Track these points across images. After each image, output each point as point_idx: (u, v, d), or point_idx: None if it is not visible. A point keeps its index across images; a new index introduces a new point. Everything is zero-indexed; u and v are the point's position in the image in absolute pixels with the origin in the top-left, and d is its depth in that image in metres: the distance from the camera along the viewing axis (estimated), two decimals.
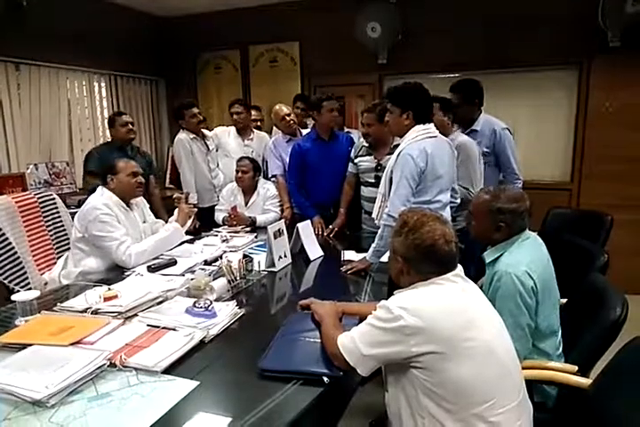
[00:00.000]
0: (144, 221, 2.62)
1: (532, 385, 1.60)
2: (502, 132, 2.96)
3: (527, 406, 1.28)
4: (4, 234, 2.41)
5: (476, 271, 2.14)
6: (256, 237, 2.90)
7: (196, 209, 2.71)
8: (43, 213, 2.65)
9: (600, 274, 1.86)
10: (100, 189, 2.46)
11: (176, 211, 2.74)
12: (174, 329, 1.54)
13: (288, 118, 3.49)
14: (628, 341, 1.39)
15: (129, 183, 2.46)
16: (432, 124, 2.31)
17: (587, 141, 4.07)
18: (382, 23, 4.23)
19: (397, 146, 2.59)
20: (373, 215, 2.45)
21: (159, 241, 2.46)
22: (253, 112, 4.17)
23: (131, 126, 3.40)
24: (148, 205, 2.72)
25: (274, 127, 4.18)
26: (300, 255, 2.48)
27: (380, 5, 4.25)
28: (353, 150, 3.02)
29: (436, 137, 2.29)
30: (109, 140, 3.70)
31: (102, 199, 2.38)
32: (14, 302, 1.68)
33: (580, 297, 1.86)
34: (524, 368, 1.54)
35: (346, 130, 4.06)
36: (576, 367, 1.54)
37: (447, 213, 2.39)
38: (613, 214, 2.74)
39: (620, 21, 3.68)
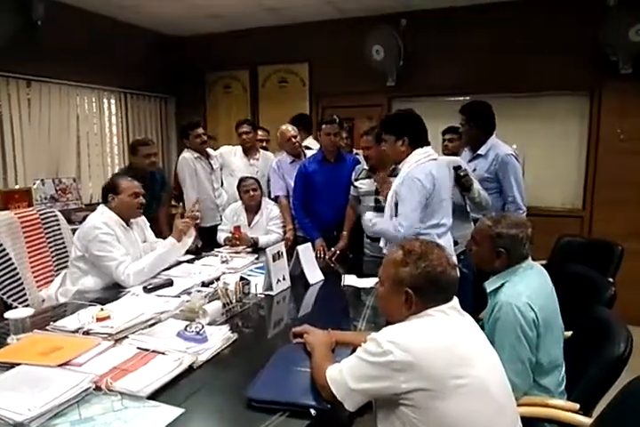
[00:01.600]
0: (144, 241, 2.61)
1: (534, 423, 1.54)
2: (506, 158, 2.85)
3: None
4: (4, 249, 2.42)
5: (474, 303, 2.09)
6: (257, 258, 2.86)
7: (189, 222, 2.66)
8: (45, 229, 2.66)
9: (605, 307, 1.81)
10: (100, 207, 2.46)
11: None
12: (164, 353, 1.51)
13: (294, 140, 3.50)
14: (631, 380, 1.33)
15: (130, 203, 2.45)
16: (430, 148, 2.33)
17: (599, 168, 4.03)
18: (385, 46, 4.28)
19: (395, 169, 2.61)
20: (381, 244, 2.44)
21: (156, 258, 2.44)
22: (260, 132, 4.20)
23: (153, 158, 3.36)
24: (148, 224, 2.71)
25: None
26: (299, 278, 2.43)
27: (382, 29, 4.30)
28: (353, 173, 3.01)
29: (436, 159, 2.30)
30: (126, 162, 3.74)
31: (102, 218, 2.37)
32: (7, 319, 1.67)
33: (584, 331, 1.80)
34: (523, 405, 1.50)
35: (355, 152, 4.05)
36: (577, 406, 1.48)
37: (449, 237, 2.37)
38: (626, 243, 2.70)
39: (627, 49, 3.69)
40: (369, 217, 2.54)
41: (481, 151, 2.96)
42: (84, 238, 2.32)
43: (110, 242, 2.31)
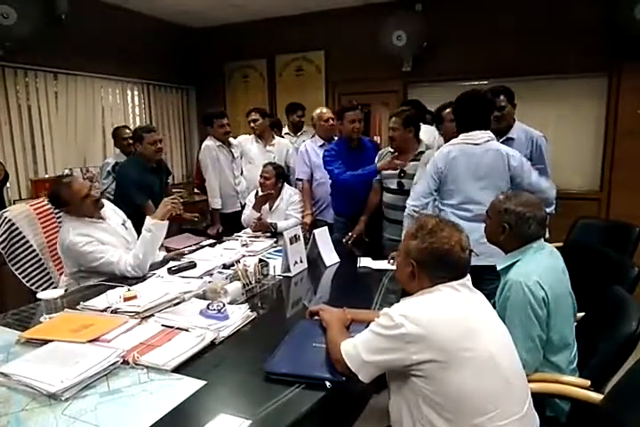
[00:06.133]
0: (123, 222, 2.55)
1: (545, 399, 1.57)
2: (540, 140, 2.87)
3: (532, 420, 1.26)
4: (28, 241, 2.51)
5: None
6: (276, 242, 2.92)
7: (175, 200, 2.51)
8: (57, 218, 2.64)
9: (620, 287, 1.80)
10: (63, 220, 2.40)
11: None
12: (187, 330, 1.59)
13: (332, 122, 3.47)
14: None
15: (85, 203, 2.32)
16: (480, 132, 2.30)
17: (617, 150, 3.96)
18: (408, 32, 4.24)
19: (422, 153, 2.65)
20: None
21: (145, 243, 2.34)
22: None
23: (160, 145, 3.24)
24: (112, 205, 2.63)
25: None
26: (316, 261, 2.49)
27: (406, 14, 4.27)
28: (377, 157, 3.02)
29: (477, 144, 2.28)
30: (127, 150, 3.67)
31: (73, 232, 2.27)
32: (40, 300, 1.76)
33: (599, 310, 1.81)
34: (534, 381, 1.52)
35: (375, 138, 4.06)
36: (588, 382, 1.50)
37: (480, 226, 2.32)
38: None
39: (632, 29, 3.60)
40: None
41: (511, 135, 2.92)
42: (70, 257, 2.30)
43: (96, 249, 2.25)
